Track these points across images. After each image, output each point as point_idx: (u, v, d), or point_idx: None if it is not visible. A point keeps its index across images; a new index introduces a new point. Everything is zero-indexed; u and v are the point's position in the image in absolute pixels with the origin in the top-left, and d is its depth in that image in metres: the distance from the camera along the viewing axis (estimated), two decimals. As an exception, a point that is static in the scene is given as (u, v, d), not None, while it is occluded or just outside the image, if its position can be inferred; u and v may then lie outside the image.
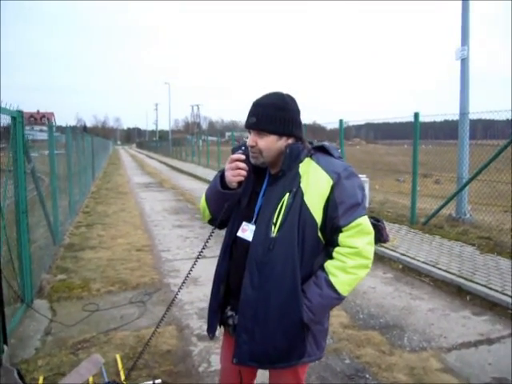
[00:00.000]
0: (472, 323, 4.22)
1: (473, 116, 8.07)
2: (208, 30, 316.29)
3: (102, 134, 77.48)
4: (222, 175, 1.79)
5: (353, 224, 1.68)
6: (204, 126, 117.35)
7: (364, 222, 1.72)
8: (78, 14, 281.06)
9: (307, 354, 1.77)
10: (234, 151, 1.80)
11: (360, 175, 9.20)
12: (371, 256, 1.74)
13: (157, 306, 4.57)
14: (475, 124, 9.29)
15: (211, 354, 3.55)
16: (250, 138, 1.74)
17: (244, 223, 1.81)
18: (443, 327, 4.12)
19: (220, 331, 2.00)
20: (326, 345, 3.65)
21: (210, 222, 1.96)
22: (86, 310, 4.47)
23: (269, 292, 1.70)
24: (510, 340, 3.85)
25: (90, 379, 2.87)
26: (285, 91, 1.80)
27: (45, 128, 7.32)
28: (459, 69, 8.19)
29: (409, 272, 5.74)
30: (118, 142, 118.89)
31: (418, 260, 5.89)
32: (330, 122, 11.46)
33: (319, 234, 1.72)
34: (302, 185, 1.71)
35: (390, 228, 7.46)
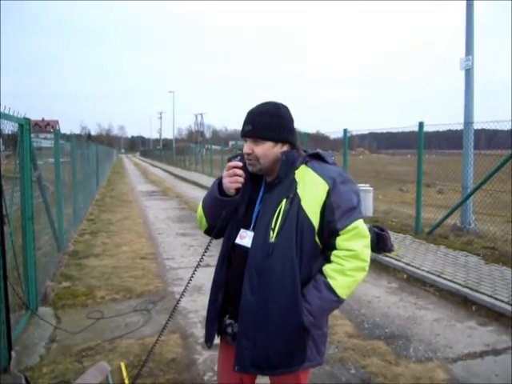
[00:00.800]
0: (478, 333, 4.19)
1: (477, 126, 8.08)
2: (212, 37, 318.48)
3: (107, 142, 77.87)
4: (219, 182, 1.82)
5: (349, 227, 1.73)
6: (208, 134, 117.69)
7: (360, 225, 1.76)
8: (81, 21, 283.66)
9: (308, 359, 1.78)
10: (230, 160, 1.84)
11: (363, 185, 9.22)
12: (368, 259, 1.77)
13: (161, 315, 4.56)
14: (479, 133, 9.29)
15: (216, 363, 3.53)
16: (247, 146, 1.78)
17: (242, 230, 1.84)
18: (449, 337, 4.10)
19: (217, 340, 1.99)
20: (331, 354, 3.64)
21: (207, 231, 1.98)
22: (90, 318, 4.47)
23: (269, 297, 1.72)
24: (516, 351, 3.82)
25: (95, 387, 2.87)
26: (279, 101, 1.87)
27: (49, 136, 7.36)
28: (463, 79, 8.21)
29: (414, 282, 5.72)
30: (122, 151, 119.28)
31: (423, 270, 5.87)
32: (333, 132, 11.52)
33: (316, 238, 1.75)
34: (298, 191, 1.75)
35: (394, 238, 7.44)
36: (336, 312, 4.65)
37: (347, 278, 1.72)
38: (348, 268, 1.72)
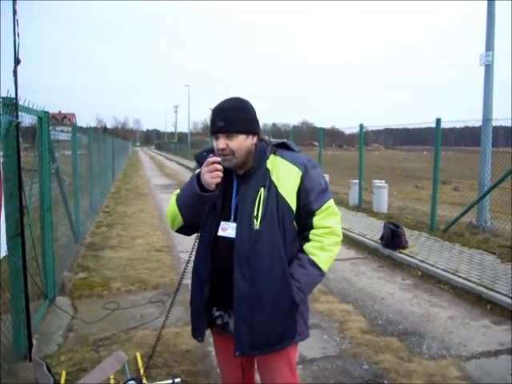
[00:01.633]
0: (492, 332, 4.16)
1: (496, 123, 7.96)
2: (226, 32, 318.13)
3: (122, 135, 78.30)
4: (197, 179, 1.84)
5: (323, 207, 1.89)
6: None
7: (332, 204, 1.94)
8: (99, 16, 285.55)
9: (298, 334, 1.92)
10: (199, 158, 1.93)
11: (378, 181, 9.17)
12: (341, 233, 1.96)
13: (176, 307, 4.56)
14: (497, 131, 9.16)
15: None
16: (221, 142, 1.82)
17: (223, 222, 1.89)
18: (463, 335, 4.08)
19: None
20: (344, 349, 3.66)
21: (180, 229, 2.00)
22: (106, 309, 4.55)
23: (261, 282, 1.81)
24: (531, 350, 3.79)
25: (112, 376, 2.93)
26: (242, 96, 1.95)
27: (66, 129, 7.46)
28: (483, 74, 8.09)
29: (428, 279, 5.69)
30: (137, 144, 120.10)
31: (438, 267, 5.83)
32: (348, 127, 11.48)
33: (294, 221, 1.89)
34: (273, 178, 1.85)
35: (409, 234, 7.40)
36: (349, 308, 4.67)
37: (327, 252, 1.89)
38: (327, 244, 1.89)
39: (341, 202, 11.35)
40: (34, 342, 2.85)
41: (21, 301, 3.21)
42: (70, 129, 7.34)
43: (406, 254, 6.45)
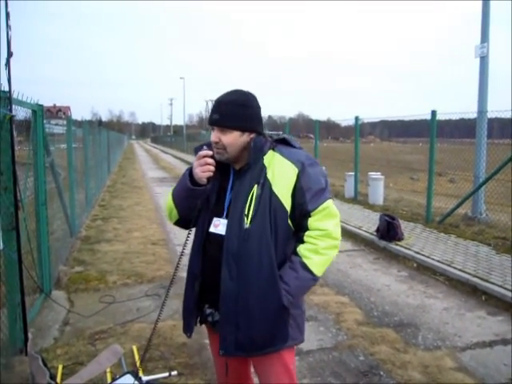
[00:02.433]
0: (487, 323, 4.20)
1: (491, 115, 7.98)
2: (221, 23, 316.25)
3: (117, 128, 78.10)
4: (190, 173, 1.82)
5: (320, 208, 1.78)
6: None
7: (330, 205, 1.82)
8: (92, 8, 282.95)
9: (291, 338, 1.84)
10: (196, 150, 1.84)
11: (374, 173, 9.19)
12: (339, 236, 1.84)
13: (172, 300, 4.59)
14: (491, 122, 9.18)
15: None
16: (214, 135, 1.78)
17: (215, 219, 1.85)
18: (458, 326, 4.11)
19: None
20: (340, 340, 3.68)
21: (177, 222, 2.00)
22: (102, 302, 4.55)
23: (248, 282, 1.75)
24: (525, 341, 3.82)
25: (108, 369, 2.93)
26: (246, 89, 1.86)
27: (61, 122, 7.41)
28: (478, 66, 8.09)
29: (423, 270, 5.72)
30: (133, 137, 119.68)
31: (433, 259, 5.86)
32: (344, 119, 11.48)
33: (289, 221, 1.79)
34: (268, 176, 1.77)
35: (404, 226, 7.43)
36: (345, 300, 4.69)
37: (322, 256, 1.79)
38: (322, 247, 1.78)
39: (336, 195, 11.39)
40: (30, 335, 2.85)
41: (16, 295, 3.20)
42: (65, 122, 7.28)
43: (401, 246, 6.48)
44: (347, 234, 7.62)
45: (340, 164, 13.95)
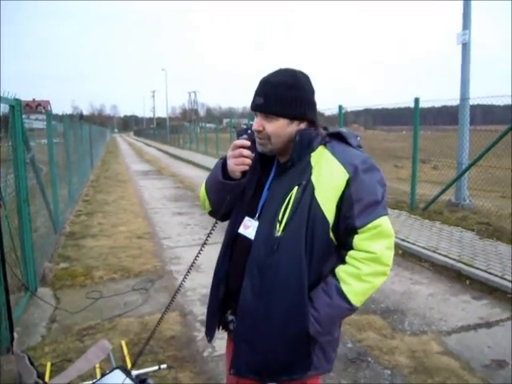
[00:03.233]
0: (472, 307, 4.27)
1: (473, 101, 8.06)
2: (204, 15, 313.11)
3: (99, 121, 77.12)
4: (223, 163, 1.59)
5: (370, 225, 1.46)
6: (202, 112, 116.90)
7: (384, 223, 1.49)
8: (69, 1, 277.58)
9: (314, 367, 1.56)
10: (238, 135, 1.58)
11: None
12: (390, 262, 1.51)
13: (159, 293, 4.61)
14: (474, 109, 9.28)
15: (215, 340, 3.57)
16: (257, 122, 1.51)
17: (247, 218, 1.61)
18: (443, 311, 4.17)
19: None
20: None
21: (211, 213, 1.77)
22: (89, 298, 4.51)
23: (271, 299, 1.50)
24: (508, 323, 3.91)
25: (97, 365, 2.92)
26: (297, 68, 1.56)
27: (41, 117, 7.28)
28: (460, 53, 8.15)
29: (409, 257, 5.79)
30: (116, 130, 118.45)
31: (418, 245, 5.93)
32: (328, 108, 11.47)
33: (331, 234, 1.50)
34: (312, 177, 1.49)
35: (389, 213, 7.46)
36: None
37: (363, 283, 1.47)
38: (365, 273, 1.46)
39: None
40: (15, 335, 2.81)
41: (1, 294, 3.15)
42: (45, 117, 7.16)
43: (387, 234, 6.53)
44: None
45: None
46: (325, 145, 1.55)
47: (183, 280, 1.84)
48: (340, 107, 10.33)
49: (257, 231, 1.54)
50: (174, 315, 4.06)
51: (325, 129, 1.61)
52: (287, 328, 1.50)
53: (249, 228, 1.59)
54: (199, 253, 1.75)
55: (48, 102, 56.45)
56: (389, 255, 1.50)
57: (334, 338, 1.63)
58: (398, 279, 5.04)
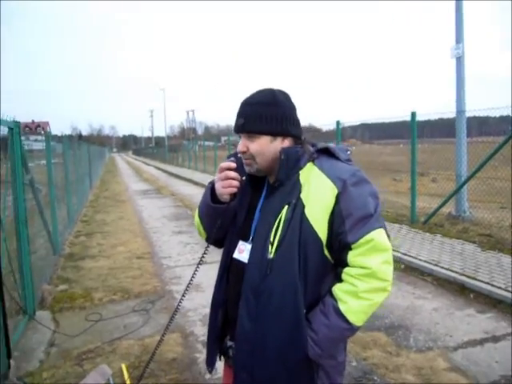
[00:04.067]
0: (477, 321, 4.21)
1: (469, 114, 8.10)
2: (200, 33, 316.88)
3: (98, 141, 77.40)
4: (212, 187, 1.58)
5: (363, 240, 1.41)
6: (200, 131, 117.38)
7: (377, 236, 1.42)
8: (69, 21, 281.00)
9: None
10: (228, 158, 1.60)
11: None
12: (389, 277, 1.45)
13: (160, 314, 4.54)
14: (470, 121, 9.33)
15: (217, 361, 3.53)
16: (241, 143, 1.52)
17: (241, 242, 1.58)
18: (448, 326, 4.11)
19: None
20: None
21: (208, 240, 1.72)
22: (89, 320, 4.44)
23: (268, 324, 1.46)
24: (515, 337, 3.84)
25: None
26: (276, 87, 1.59)
27: (40, 138, 7.29)
28: (455, 67, 8.21)
29: (411, 271, 5.73)
30: (114, 150, 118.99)
31: (420, 259, 5.88)
32: (325, 124, 11.50)
33: (326, 252, 1.46)
34: (302, 195, 1.46)
35: (390, 228, 7.46)
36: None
37: (361, 301, 1.42)
38: (362, 289, 1.41)
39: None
40: (12, 362, 2.75)
41: (-2, 318, 3.10)
42: (44, 138, 7.16)
43: (388, 248, 6.48)
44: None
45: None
46: (313, 161, 1.52)
47: (180, 301, 1.79)
48: (337, 123, 10.37)
49: (250, 254, 1.51)
50: (175, 336, 3.99)
51: (313, 145, 1.58)
52: (286, 354, 1.45)
53: (243, 252, 1.56)
54: (194, 274, 1.70)
55: (47, 124, 56.49)
56: (386, 270, 1.44)
57: (339, 361, 1.57)
58: (400, 294, 4.98)
